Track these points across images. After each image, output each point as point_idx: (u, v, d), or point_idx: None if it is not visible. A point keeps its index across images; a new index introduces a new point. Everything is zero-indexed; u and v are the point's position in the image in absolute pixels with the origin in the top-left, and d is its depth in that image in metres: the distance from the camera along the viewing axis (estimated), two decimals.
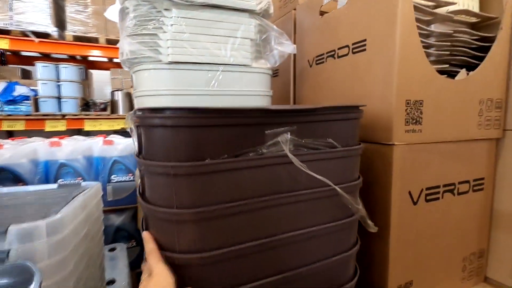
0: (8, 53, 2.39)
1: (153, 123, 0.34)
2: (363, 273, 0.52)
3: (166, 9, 0.58)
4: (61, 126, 2.12)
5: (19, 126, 2.07)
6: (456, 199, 0.60)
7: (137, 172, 0.39)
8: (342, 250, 0.45)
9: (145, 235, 0.36)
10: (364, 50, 0.56)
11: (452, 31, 0.59)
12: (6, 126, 2.04)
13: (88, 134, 2.55)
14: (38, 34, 1.94)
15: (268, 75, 0.70)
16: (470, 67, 0.59)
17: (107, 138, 1.09)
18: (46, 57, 2.37)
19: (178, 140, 0.33)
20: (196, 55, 0.61)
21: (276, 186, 0.38)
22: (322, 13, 0.70)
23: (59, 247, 0.31)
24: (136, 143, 0.38)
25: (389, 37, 0.50)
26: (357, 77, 0.58)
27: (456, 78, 0.57)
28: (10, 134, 2.45)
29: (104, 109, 2.17)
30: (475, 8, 0.65)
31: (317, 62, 0.70)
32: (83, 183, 0.53)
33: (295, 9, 0.79)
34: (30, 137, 1.56)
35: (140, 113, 0.34)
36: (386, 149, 0.52)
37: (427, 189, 0.56)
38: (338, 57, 0.63)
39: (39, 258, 0.28)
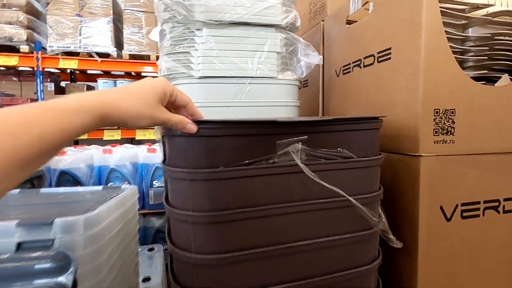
0: (77, 71, 2.75)
1: (175, 133, 0.38)
2: None
3: (198, 29, 0.64)
4: (117, 135, 2.36)
5: (83, 135, 2.36)
6: (501, 217, 0.54)
7: (163, 178, 0.44)
8: (360, 263, 0.44)
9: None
10: (389, 58, 0.55)
11: (491, 34, 0.54)
12: None
13: (140, 142, 2.80)
14: (100, 54, 2.21)
15: (294, 86, 0.71)
16: None
17: (151, 147, 1.20)
18: (107, 74, 2.68)
19: (195, 148, 0.36)
20: (225, 70, 0.65)
21: (288, 194, 0.39)
22: (349, 23, 0.70)
23: (94, 239, 0.36)
24: (162, 151, 0.43)
25: (413, 44, 0.49)
26: (382, 85, 0.57)
27: (497, 84, 0.53)
28: (76, 142, 2.81)
29: None
30: None
31: (344, 71, 0.70)
32: (123, 186, 0.59)
33: (323, 21, 0.80)
34: (90, 144, 1.78)
35: None
36: (412, 160, 0.50)
37: (463, 204, 0.52)
38: (364, 66, 0.62)
39: (77, 248, 0.34)
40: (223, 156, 0.37)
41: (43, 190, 0.56)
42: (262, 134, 0.38)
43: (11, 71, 2.35)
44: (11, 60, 2.11)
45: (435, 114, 0.49)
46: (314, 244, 0.40)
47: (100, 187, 0.59)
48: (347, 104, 0.68)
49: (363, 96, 0.63)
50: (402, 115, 0.52)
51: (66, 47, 2.15)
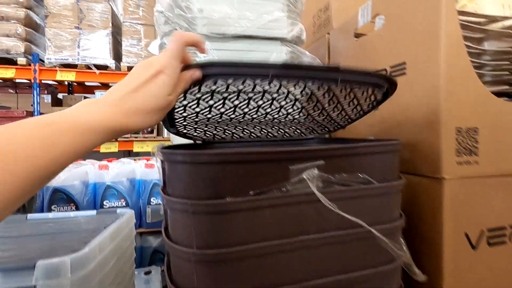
0: (74, 83, 2.73)
1: (175, 159, 0.34)
2: None
3: None
4: (114, 147, 2.32)
5: None
6: None
7: (162, 207, 0.40)
8: None
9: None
10: (404, 73, 0.52)
11: (510, 48, 0.51)
12: None
13: (137, 154, 2.75)
14: (98, 67, 2.19)
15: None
16: None
17: (149, 162, 1.15)
18: (105, 86, 2.65)
19: (197, 176, 0.32)
20: None
21: (303, 226, 0.35)
22: (357, 36, 0.67)
23: (83, 283, 0.31)
24: (161, 176, 0.38)
25: (432, 59, 0.46)
26: (397, 102, 0.53)
27: None
28: None
29: (151, 132, 2.33)
30: None
31: None
32: (119, 210, 0.55)
33: (328, 33, 0.77)
34: (86, 158, 1.73)
35: (164, 149, 0.35)
36: (433, 183, 0.46)
37: (490, 230, 0.48)
38: None
39: None
40: (229, 185, 0.32)
41: (31, 216, 0.52)
42: (273, 160, 0.34)
43: (8, 83, 2.32)
44: (7, 73, 2.09)
45: (457, 133, 0.45)
46: (331, 284, 0.36)
47: (94, 212, 0.55)
48: (361, 124, 0.65)
49: (376, 113, 0.59)
50: (420, 134, 0.48)
51: (64, 59, 2.13)
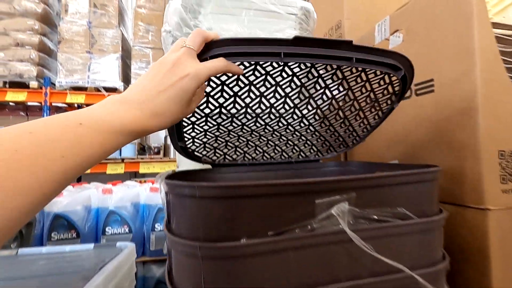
0: (83, 105, 2.76)
1: (182, 192, 0.29)
2: None
3: None
4: (120, 169, 2.29)
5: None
6: None
7: (166, 246, 0.34)
8: None
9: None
10: (432, 91, 0.47)
11: None
12: None
13: (143, 176, 2.71)
14: (107, 89, 2.22)
15: None
16: None
17: (154, 185, 1.11)
18: None
19: (208, 213, 0.27)
20: None
21: (332, 271, 0.29)
22: None
23: None
24: (165, 211, 0.34)
25: (466, 76, 0.41)
26: (423, 122, 0.49)
27: None
28: (78, 179, 2.74)
29: (158, 153, 2.30)
30: None
31: None
32: (118, 244, 0.50)
33: None
34: (93, 179, 1.69)
35: (169, 180, 0.30)
36: (476, 214, 0.40)
37: None
38: None
39: None
40: (245, 224, 0.27)
41: (22, 251, 0.47)
42: (296, 192, 0.29)
43: (19, 106, 2.36)
44: (19, 96, 2.12)
45: (500, 157, 0.40)
46: None
47: (91, 246, 0.50)
48: (381, 144, 0.60)
49: (399, 135, 0.54)
50: (457, 159, 0.43)
51: (75, 82, 2.16)
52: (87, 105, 2.81)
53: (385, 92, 0.43)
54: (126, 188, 1.10)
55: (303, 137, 0.53)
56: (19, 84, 2.11)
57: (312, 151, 0.58)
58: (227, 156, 0.53)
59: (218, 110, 0.41)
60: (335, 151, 0.58)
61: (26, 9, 2.08)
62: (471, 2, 0.41)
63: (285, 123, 0.48)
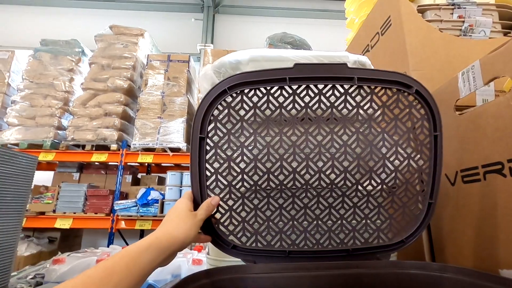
0: (152, 164, 3.01)
1: None
2: None
3: None
4: (148, 225, 2.30)
5: (147, 225, 2.37)
6: None
7: None
8: None
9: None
10: None
11: None
12: (138, 225, 2.36)
13: None
14: (172, 149, 2.38)
15: None
16: None
17: (195, 257, 1.01)
18: (177, 166, 2.84)
19: None
20: None
21: None
22: (459, 109, 0.48)
23: None
24: None
25: None
26: None
27: None
28: (141, 232, 2.86)
29: None
30: None
31: (465, 180, 0.44)
32: None
33: None
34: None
35: None
36: None
37: None
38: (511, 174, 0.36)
39: None
40: None
41: None
42: None
43: (101, 165, 2.68)
44: (102, 157, 2.42)
45: None
46: None
47: None
48: (480, 232, 0.40)
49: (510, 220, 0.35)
50: None
51: (146, 144, 2.39)
52: (155, 163, 3.00)
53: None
54: None
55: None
56: (102, 147, 2.43)
57: (368, 232, 0.41)
58: (258, 239, 0.41)
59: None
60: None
61: (117, 86, 2.49)
62: None
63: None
